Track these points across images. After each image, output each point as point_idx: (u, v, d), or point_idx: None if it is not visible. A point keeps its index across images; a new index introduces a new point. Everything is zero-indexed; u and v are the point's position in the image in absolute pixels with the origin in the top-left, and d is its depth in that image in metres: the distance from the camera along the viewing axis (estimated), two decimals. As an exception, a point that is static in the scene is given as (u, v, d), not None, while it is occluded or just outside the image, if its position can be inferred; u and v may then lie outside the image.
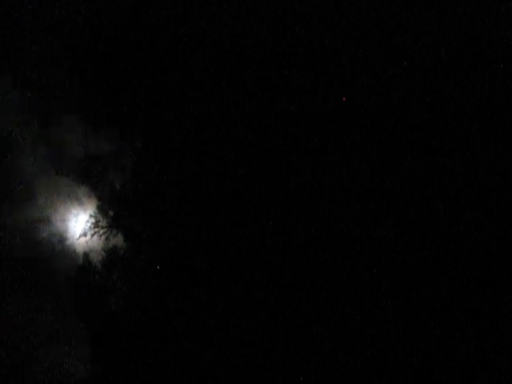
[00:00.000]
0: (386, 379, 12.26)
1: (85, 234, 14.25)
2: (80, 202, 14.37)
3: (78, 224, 14.25)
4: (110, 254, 14.24)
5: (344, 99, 13.22)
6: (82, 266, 13.99)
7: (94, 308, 13.63)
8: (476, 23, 12.38)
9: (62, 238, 14.03)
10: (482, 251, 12.39)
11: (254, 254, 13.14)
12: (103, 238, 14.32)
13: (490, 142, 12.52)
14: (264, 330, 12.65)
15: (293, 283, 12.84)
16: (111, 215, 14.48)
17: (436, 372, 12.20)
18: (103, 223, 14.42)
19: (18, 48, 14.19)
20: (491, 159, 12.47)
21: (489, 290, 12.30)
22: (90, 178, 14.43)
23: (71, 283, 13.72)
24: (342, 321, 12.57)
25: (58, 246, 13.93)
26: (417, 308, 12.50)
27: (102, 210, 14.47)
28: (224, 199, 13.59)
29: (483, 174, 12.51)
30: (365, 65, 13.09)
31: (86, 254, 14.11)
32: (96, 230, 14.35)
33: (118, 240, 14.35)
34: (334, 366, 12.33)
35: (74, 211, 14.28)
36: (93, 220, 14.35)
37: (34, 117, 14.06)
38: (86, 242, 14.22)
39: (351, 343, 12.44)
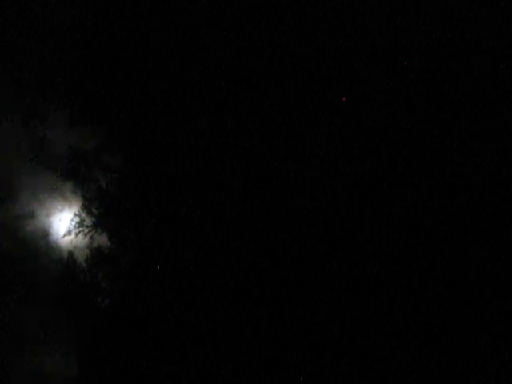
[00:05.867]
0: (386, 379, 12.10)
1: (69, 233, 13.81)
2: (65, 199, 13.93)
3: (63, 222, 13.81)
4: (95, 253, 13.78)
5: (344, 99, 13.24)
6: (67, 264, 13.48)
7: (80, 308, 13.16)
8: (476, 23, 12.70)
9: (45, 234, 13.57)
10: (482, 251, 12.45)
11: (250, 254, 12.92)
12: (88, 237, 13.90)
13: (490, 141, 12.72)
14: (263, 331, 12.40)
15: (293, 283, 12.65)
16: (96, 214, 14.07)
17: (436, 371, 12.10)
18: (88, 222, 13.98)
19: (5, 45, 13.86)
20: (491, 159, 12.64)
21: (489, 290, 12.33)
22: (76, 176, 14.03)
23: (56, 282, 13.22)
24: (342, 321, 12.41)
25: (42, 243, 13.47)
26: (417, 308, 12.41)
27: (86, 208, 14.05)
28: (216, 199, 13.36)
29: (483, 173, 12.65)
30: (365, 65, 13.19)
31: (70, 253, 13.61)
32: (81, 229, 13.89)
33: (103, 239, 13.93)
34: (334, 366, 12.13)
35: (59, 207, 13.84)
36: (77, 219, 13.91)
37: (20, 113, 13.61)
38: (71, 241, 13.78)
39: (351, 343, 12.27)
